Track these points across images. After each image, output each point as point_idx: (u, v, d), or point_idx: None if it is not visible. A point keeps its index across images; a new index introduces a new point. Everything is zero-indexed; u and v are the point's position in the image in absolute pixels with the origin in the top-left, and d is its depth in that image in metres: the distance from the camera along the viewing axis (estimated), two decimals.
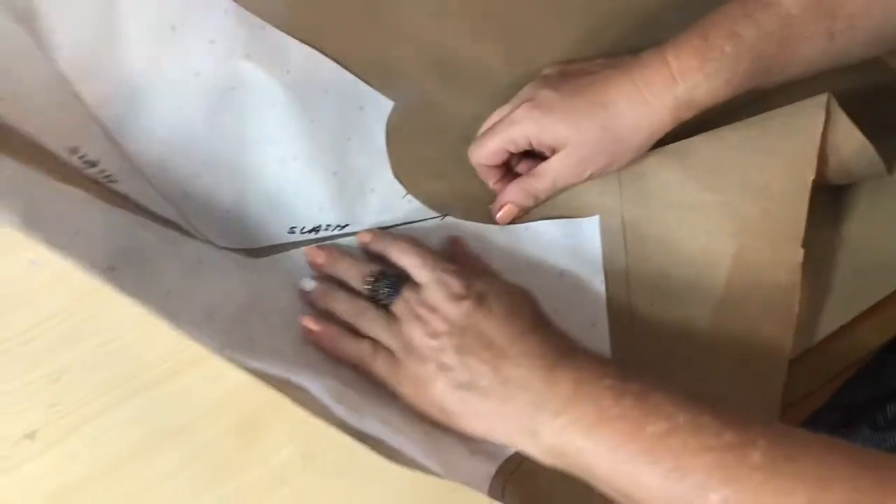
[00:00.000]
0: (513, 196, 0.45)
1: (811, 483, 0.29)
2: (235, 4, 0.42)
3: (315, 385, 0.38)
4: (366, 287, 0.42)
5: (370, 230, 0.44)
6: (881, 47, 0.42)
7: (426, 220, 0.45)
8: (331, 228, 0.44)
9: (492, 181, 0.46)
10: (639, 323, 0.43)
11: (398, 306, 0.40)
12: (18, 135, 0.36)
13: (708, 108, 0.41)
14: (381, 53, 0.45)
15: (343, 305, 0.42)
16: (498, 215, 0.45)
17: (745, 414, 0.33)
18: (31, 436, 0.39)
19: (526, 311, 0.40)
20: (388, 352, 0.40)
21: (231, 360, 0.36)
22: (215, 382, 0.41)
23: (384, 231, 0.44)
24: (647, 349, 0.43)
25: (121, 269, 0.35)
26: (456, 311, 0.39)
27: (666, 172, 0.44)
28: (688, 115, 0.41)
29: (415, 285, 0.41)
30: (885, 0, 0.40)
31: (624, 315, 0.43)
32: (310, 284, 0.43)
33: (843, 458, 0.30)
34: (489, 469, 0.39)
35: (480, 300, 0.39)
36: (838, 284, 0.46)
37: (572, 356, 0.37)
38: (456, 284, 0.40)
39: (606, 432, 0.33)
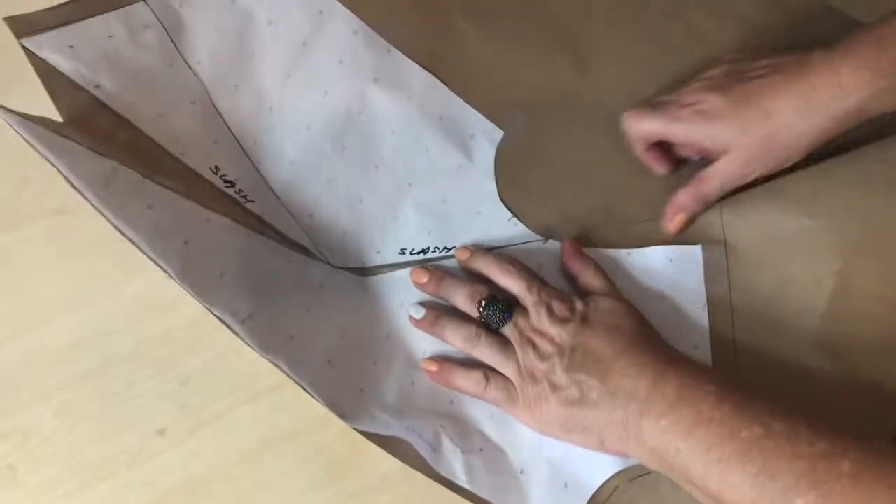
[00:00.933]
0: (685, 202, 0.45)
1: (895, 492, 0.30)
2: (365, 25, 0.46)
3: (413, 437, 0.41)
4: (479, 311, 0.43)
5: (467, 247, 0.46)
6: None
7: (528, 242, 0.47)
8: (438, 251, 0.47)
9: (639, 149, 0.47)
10: (742, 352, 0.44)
11: (509, 331, 0.43)
12: (170, 156, 0.40)
13: (877, 117, 0.40)
14: (495, 84, 0.48)
15: (454, 332, 0.43)
16: (670, 225, 0.45)
17: (841, 427, 0.34)
18: (161, 432, 0.43)
19: (629, 326, 0.41)
20: (500, 378, 0.42)
21: (340, 417, 0.39)
22: None
23: (482, 249, 0.46)
24: (749, 379, 0.43)
25: (256, 316, 0.39)
26: (563, 333, 0.41)
27: (766, 202, 0.45)
28: (855, 122, 0.41)
29: (523, 309, 0.43)
30: None
31: (727, 343, 0.44)
32: (419, 312, 0.45)
33: None
34: (583, 498, 0.41)
35: (584, 320, 0.41)
36: None
37: (677, 364, 0.38)
38: (560, 308, 0.42)
39: (703, 434, 0.35)
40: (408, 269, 0.46)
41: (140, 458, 0.43)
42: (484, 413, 0.43)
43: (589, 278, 0.44)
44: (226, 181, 0.42)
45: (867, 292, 0.43)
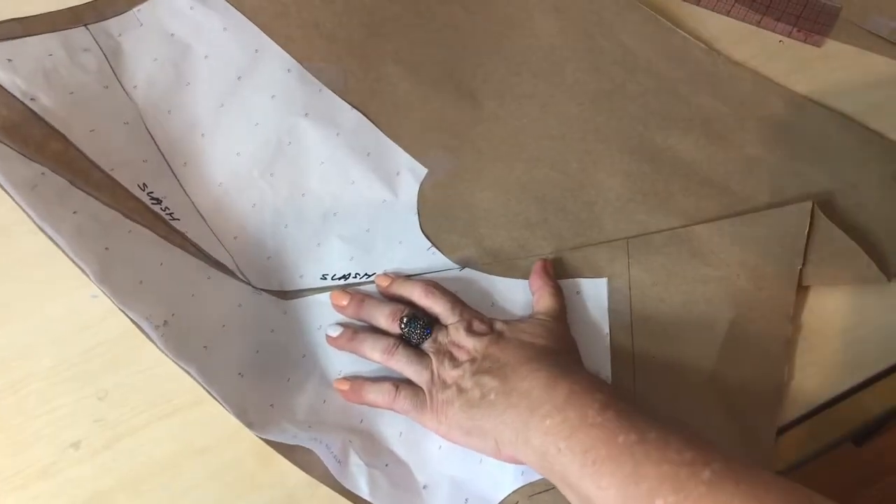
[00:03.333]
0: None
1: (746, 500, 0.32)
2: (298, 64, 0.50)
3: (320, 448, 0.42)
4: (401, 327, 0.45)
5: (387, 274, 0.48)
6: None
7: (446, 270, 0.50)
8: (359, 276, 0.49)
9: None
10: (640, 372, 0.47)
11: (428, 345, 0.45)
12: (99, 170, 0.43)
13: None
14: (422, 126, 0.52)
15: (372, 345, 0.45)
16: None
17: (715, 443, 0.36)
18: (76, 445, 0.44)
19: (542, 343, 0.43)
20: (409, 387, 0.44)
21: (248, 426, 0.42)
22: None
23: (402, 276, 0.49)
24: (646, 397, 0.46)
25: (171, 324, 0.41)
26: (478, 344, 0.43)
27: (671, 248, 0.49)
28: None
29: (443, 327, 0.45)
30: None
31: (627, 364, 0.47)
32: (336, 330, 0.47)
33: (783, 489, 0.33)
34: None
35: (500, 335, 0.44)
36: (834, 354, 0.49)
37: (572, 373, 0.41)
38: (479, 325, 0.45)
39: (583, 437, 0.37)
40: (328, 294, 0.48)
41: (52, 470, 0.44)
42: (392, 431, 0.45)
43: (542, 296, 0.47)
44: (153, 198, 0.45)
45: (754, 341, 0.47)
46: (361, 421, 0.45)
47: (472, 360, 0.43)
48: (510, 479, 0.43)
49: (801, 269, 0.48)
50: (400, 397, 0.44)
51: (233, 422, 0.45)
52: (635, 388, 0.47)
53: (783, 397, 0.47)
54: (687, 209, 0.51)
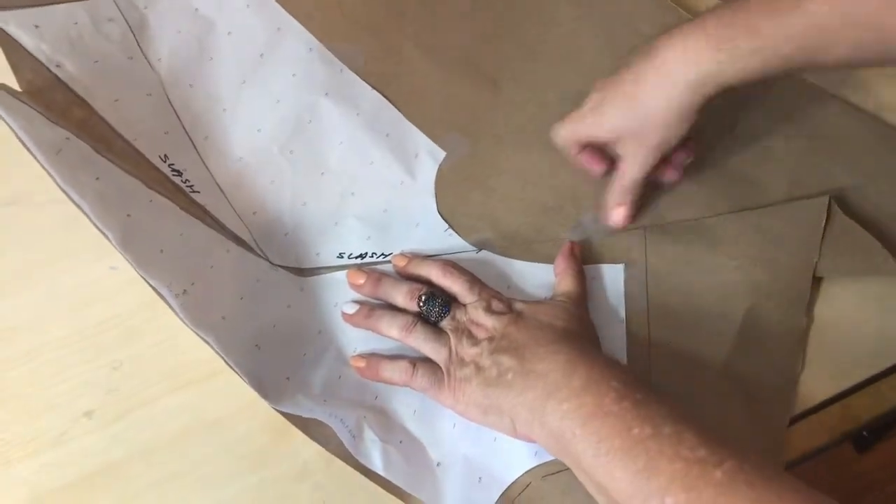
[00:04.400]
0: (616, 197, 0.48)
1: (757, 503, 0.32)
2: (320, 44, 0.50)
3: (335, 422, 0.42)
4: (419, 305, 0.45)
5: (404, 254, 0.48)
6: None
7: (462, 252, 0.50)
8: (376, 256, 0.49)
9: (572, 155, 0.49)
10: (655, 358, 0.47)
11: (447, 323, 0.45)
12: (122, 139, 0.43)
13: (732, 88, 0.42)
14: (440, 109, 0.52)
15: (389, 322, 0.45)
16: (614, 219, 0.48)
17: (730, 441, 0.35)
18: (88, 415, 0.44)
19: (562, 325, 0.43)
20: (427, 364, 0.44)
21: (263, 397, 0.41)
22: None
23: (420, 256, 0.49)
24: (661, 383, 0.46)
25: (190, 293, 0.41)
26: (497, 323, 0.43)
27: (689, 237, 0.49)
28: (712, 92, 0.42)
29: (462, 306, 0.45)
30: None
31: (642, 350, 0.47)
32: (352, 307, 0.47)
33: (797, 493, 0.32)
34: (494, 494, 0.43)
35: (519, 315, 0.44)
36: (845, 348, 0.48)
37: (591, 357, 0.40)
38: (498, 305, 0.45)
39: (598, 425, 0.37)
40: (344, 272, 0.48)
41: (64, 438, 0.44)
42: (407, 409, 0.45)
43: (564, 280, 0.47)
44: (174, 170, 0.45)
45: (769, 331, 0.47)
46: (376, 398, 0.45)
47: (491, 339, 0.43)
48: (524, 459, 0.43)
49: (816, 262, 0.48)
50: (417, 374, 0.44)
51: (246, 395, 0.45)
52: (651, 374, 0.46)
53: (796, 387, 0.47)
54: (704, 199, 0.51)
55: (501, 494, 0.43)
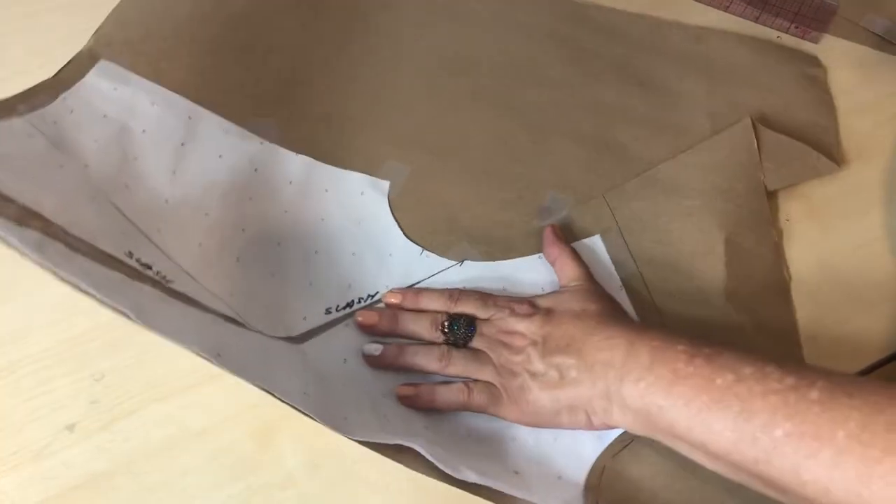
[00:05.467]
0: None
1: (865, 409, 0.32)
2: (234, 125, 0.50)
3: (418, 445, 0.41)
4: (443, 332, 0.45)
5: (394, 291, 0.48)
6: None
7: (446, 269, 0.50)
8: (363, 300, 0.48)
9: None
10: (664, 310, 0.48)
11: (477, 341, 0.45)
12: (84, 242, 0.41)
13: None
14: (367, 146, 0.52)
15: (425, 356, 0.45)
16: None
17: (806, 364, 0.37)
18: (70, 427, 0.44)
19: (594, 308, 0.44)
20: (480, 383, 0.44)
21: (332, 429, 0.39)
22: (234, 394, 0.45)
23: (411, 289, 0.48)
24: (677, 330, 0.46)
25: (224, 356, 0.39)
26: (531, 326, 0.43)
27: (646, 190, 0.51)
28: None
29: (484, 321, 0.45)
30: None
31: (649, 307, 0.48)
32: (375, 348, 0.46)
33: (891, 391, 0.33)
34: (577, 486, 0.43)
35: (549, 312, 0.44)
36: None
37: (645, 331, 0.41)
38: (521, 307, 0.45)
39: (681, 389, 0.37)
40: (339, 326, 0.47)
41: (46, 452, 0.43)
42: (461, 433, 0.45)
43: (564, 263, 0.47)
44: (142, 264, 0.43)
45: (750, 252, 0.50)
46: (426, 428, 0.44)
47: (534, 343, 0.43)
48: (590, 448, 0.44)
49: (763, 179, 0.51)
50: (474, 394, 0.44)
51: (230, 405, 0.44)
52: (664, 325, 0.48)
53: (790, 294, 0.50)
54: (643, 154, 0.53)
55: (585, 486, 0.43)
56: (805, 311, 0.50)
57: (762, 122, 0.53)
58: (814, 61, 0.58)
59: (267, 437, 0.43)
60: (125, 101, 0.47)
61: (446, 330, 0.45)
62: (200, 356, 0.38)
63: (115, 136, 0.46)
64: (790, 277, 0.50)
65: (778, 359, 0.37)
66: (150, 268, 0.43)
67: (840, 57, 0.57)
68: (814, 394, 0.34)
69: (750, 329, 0.48)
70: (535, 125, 0.55)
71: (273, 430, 0.44)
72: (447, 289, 0.48)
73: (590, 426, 0.42)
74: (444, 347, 0.45)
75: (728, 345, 0.38)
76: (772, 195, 0.52)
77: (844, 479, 0.32)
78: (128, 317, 0.37)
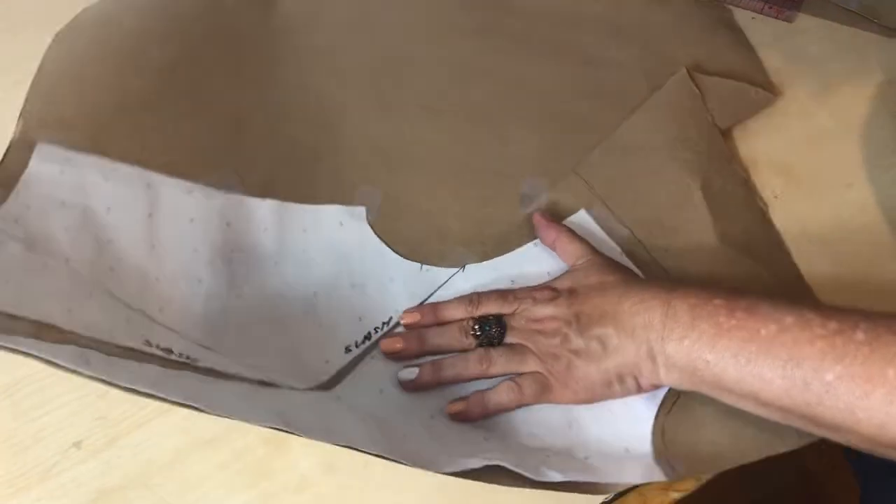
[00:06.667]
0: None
1: None
2: (194, 184, 0.48)
3: (497, 459, 0.40)
4: (475, 336, 0.45)
5: (410, 311, 0.48)
6: None
7: (451, 277, 0.50)
8: (379, 330, 0.48)
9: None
10: (667, 265, 0.49)
11: (511, 336, 0.45)
12: (104, 342, 0.41)
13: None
14: (332, 175, 0.52)
15: (464, 364, 0.45)
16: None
17: (843, 307, 0.37)
18: (78, 444, 0.43)
19: (614, 278, 0.44)
20: (527, 375, 0.44)
21: (436, 471, 0.39)
22: None
23: (426, 305, 0.48)
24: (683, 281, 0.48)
25: (291, 422, 0.39)
26: (558, 309, 0.44)
27: (611, 158, 0.53)
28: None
29: (510, 315, 0.45)
30: None
31: (653, 266, 0.49)
32: (410, 372, 0.45)
33: None
34: (647, 454, 0.43)
35: (571, 292, 0.44)
36: None
37: (678, 289, 0.41)
38: (542, 294, 0.45)
39: (726, 342, 0.38)
40: (366, 360, 0.47)
41: (55, 470, 0.43)
42: (522, 434, 0.45)
43: (565, 244, 0.48)
44: (163, 349, 0.43)
45: (725, 192, 0.52)
46: (486, 439, 0.44)
47: (568, 323, 0.43)
48: (645, 413, 0.44)
49: (713, 121, 0.53)
50: (525, 387, 0.44)
51: None
52: (670, 279, 0.49)
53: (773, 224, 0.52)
54: (597, 124, 0.55)
55: (653, 451, 0.43)
56: None
57: (696, 70, 0.56)
58: (720, 6, 0.61)
59: (278, 441, 0.43)
60: (77, 183, 0.45)
61: (478, 333, 0.45)
62: (272, 428, 0.38)
63: (82, 222, 0.45)
64: (766, 206, 0.53)
65: (812, 305, 0.38)
66: (171, 352, 0.43)
67: (815, 34, 0.59)
68: (859, 335, 0.35)
69: (749, 267, 0.49)
70: (489, 119, 0.55)
71: (284, 435, 0.43)
72: (463, 295, 0.48)
73: (640, 390, 0.42)
74: (481, 350, 0.45)
75: (760, 295, 0.39)
76: (756, 171, 0.54)
77: None
78: (197, 409, 0.37)
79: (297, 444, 0.43)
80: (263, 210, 0.49)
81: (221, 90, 0.53)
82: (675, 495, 0.43)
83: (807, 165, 0.55)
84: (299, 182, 0.51)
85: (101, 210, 0.45)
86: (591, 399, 0.43)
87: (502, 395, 0.44)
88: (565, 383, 0.43)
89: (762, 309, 0.38)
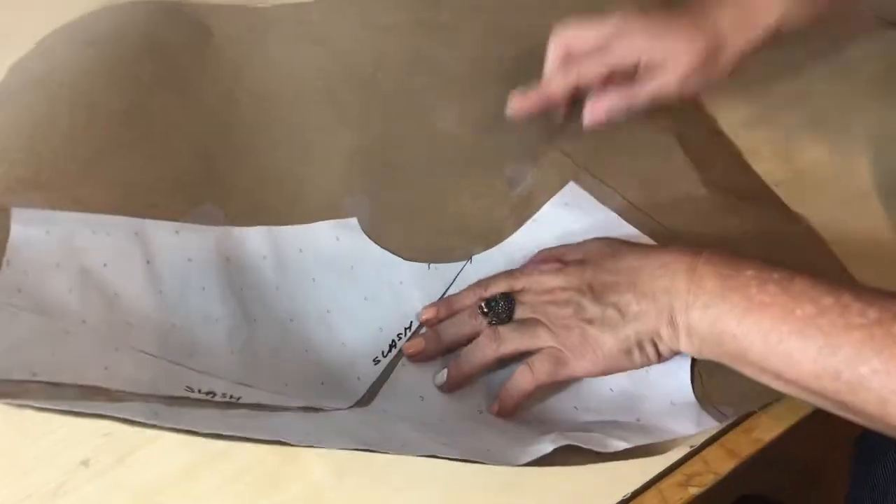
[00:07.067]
0: (614, 99, 0.49)
1: None
2: (181, 224, 0.48)
3: (566, 438, 0.40)
4: (484, 315, 0.44)
5: (427, 307, 0.48)
6: None
7: (461, 271, 0.50)
8: (402, 336, 0.48)
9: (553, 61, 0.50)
10: (665, 223, 0.50)
11: (520, 311, 0.44)
12: (154, 395, 0.41)
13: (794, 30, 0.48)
14: (316, 191, 0.52)
15: (475, 348, 0.44)
16: (591, 114, 0.50)
17: (882, 291, 0.36)
18: (85, 463, 0.43)
19: (627, 247, 0.44)
20: (537, 354, 0.43)
21: (514, 464, 0.39)
22: None
23: (443, 300, 0.48)
24: (683, 233, 0.49)
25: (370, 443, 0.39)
26: (567, 278, 0.43)
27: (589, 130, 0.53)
28: (770, 42, 0.48)
29: (518, 292, 0.45)
30: None
31: (658, 227, 0.49)
32: (442, 377, 0.45)
33: None
34: (691, 402, 0.43)
35: (582, 262, 0.44)
36: None
37: (703, 256, 0.40)
38: (550, 266, 0.44)
39: (758, 317, 0.37)
40: (398, 369, 0.47)
41: (62, 490, 0.42)
42: (569, 409, 0.45)
43: (571, 248, 0.47)
44: (205, 393, 0.43)
45: (697, 137, 0.54)
46: (542, 422, 0.44)
47: (581, 292, 0.42)
48: (680, 362, 0.43)
49: None
50: (537, 366, 0.42)
51: None
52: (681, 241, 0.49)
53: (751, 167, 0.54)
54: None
55: (697, 399, 0.43)
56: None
57: None
58: None
59: (290, 450, 0.42)
60: (66, 242, 0.45)
61: (486, 311, 0.44)
62: (359, 450, 0.39)
63: (82, 281, 0.44)
64: (738, 149, 0.54)
65: (850, 287, 0.36)
66: (214, 394, 0.43)
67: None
68: None
69: (756, 218, 0.50)
70: (454, 111, 0.56)
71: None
72: (472, 283, 0.47)
73: (657, 359, 0.41)
74: (490, 329, 0.44)
75: (793, 269, 0.38)
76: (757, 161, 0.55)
77: None
78: (285, 443, 0.38)
79: (308, 453, 0.42)
80: (257, 238, 0.49)
81: (181, 126, 0.53)
82: (694, 490, 0.43)
83: (809, 155, 0.55)
84: (283, 204, 0.51)
85: (97, 266, 0.45)
86: (609, 369, 0.42)
87: (518, 380, 0.43)
88: (582, 354, 0.42)
89: (797, 286, 0.37)
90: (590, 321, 0.41)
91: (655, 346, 0.41)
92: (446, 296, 0.49)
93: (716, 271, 0.39)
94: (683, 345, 0.40)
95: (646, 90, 0.49)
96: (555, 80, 0.49)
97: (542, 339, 0.43)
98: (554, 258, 0.46)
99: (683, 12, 0.47)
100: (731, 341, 0.38)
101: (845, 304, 0.35)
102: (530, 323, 0.43)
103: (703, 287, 0.39)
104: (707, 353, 0.40)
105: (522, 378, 0.43)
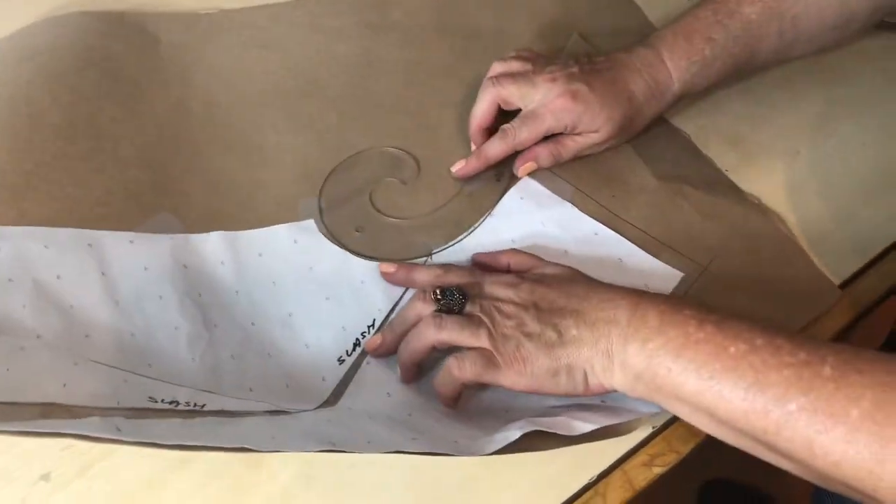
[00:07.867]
0: (541, 154, 0.52)
1: (876, 388, 0.33)
2: (135, 233, 0.48)
3: (533, 425, 0.41)
4: (437, 299, 0.45)
5: (371, 338, 0.47)
6: (814, 46, 0.56)
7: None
8: (366, 335, 0.48)
9: (479, 142, 0.54)
10: (636, 222, 0.52)
11: (470, 307, 0.44)
12: (117, 408, 0.41)
13: (690, 95, 0.54)
14: (270, 195, 0.52)
15: (418, 334, 0.44)
16: (520, 170, 0.53)
17: (813, 337, 0.38)
18: (46, 477, 0.42)
19: (582, 278, 0.45)
20: (469, 351, 0.43)
21: (480, 454, 0.40)
22: None
23: (403, 265, 0.49)
24: (652, 223, 0.52)
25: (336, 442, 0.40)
26: (520, 293, 0.44)
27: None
28: (673, 105, 0.54)
29: (472, 289, 0.45)
30: (820, 4, 0.52)
31: (606, 217, 0.51)
32: (375, 338, 0.47)
33: None
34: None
35: (537, 279, 0.44)
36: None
37: (647, 295, 0.42)
38: (508, 278, 0.45)
39: (692, 354, 0.38)
40: (363, 368, 0.47)
41: None
42: (535, 399, 0.45)
43: (521, 259, 0.48)
44: (168, 402, 0.42)
45: (651, 133, 0.56)
46: (507, 411, 0.45)
47: (525, 308, 0.43)
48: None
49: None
50: (466, 363, 0.42)
51: None
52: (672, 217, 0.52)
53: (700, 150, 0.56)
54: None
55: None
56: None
57: (582, 34, 0.61)
58: None
59: (255, 457, 0.42)
60: (18, 257, 0.45)
61: (440, 297, 0.45)
62: (324, 451, 0.40)
63: (36, 295, 0.44)
64: (688, 135, 0.56)
65: (783, 331, 0.38)
66: (178, 403, 0.43)
67: None
68: (826, 370, 0.35)
69: (700, 197, 0.52)
70: (410, 111, 0.57)
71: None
72: (435, 264, 0.48)
73: (586, 390, 0.42)
74: (437, 314, 0.44)
75: (729, 313, 0.39)
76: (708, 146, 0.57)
77: (857, 456, 0.33)
78: (249, 450, 0.39)
79: (273, 459, 0.42)
80: (213, 244, 0.49)
81: (130, 136, 0.52)
82: (658, 470, 0.44)
83: (757, 138, 0.57)
84: (238, 209, 0.51)
85: (51, 279, 0.45)
86: (532, 386, 0.42)
87: (446, 375, 0.43)
88: (511, 364, 0.42)
89: (732, 326, 0.38)
90: (528, 335, 0.42)
91: (585, 375, 0.42)
92: (406, 295, 0.49)
93: (658, 309, 0.40)
94: (617, 379, 0.41)
95: (572, 148, 0.53)
96: (492, 149, 0.52)
97: (481, 339, 0.43)
98: (524, 265, 0.48)
99: (606, 81, 0.51)
100: (665, 376, 0.38)
101: (777, 345, 0.37)
102: (475, 320, 0.44)
103: (644, 322, 0.40)
104: (640, 391, 0.40)
105: (449, 373, 0.43)
